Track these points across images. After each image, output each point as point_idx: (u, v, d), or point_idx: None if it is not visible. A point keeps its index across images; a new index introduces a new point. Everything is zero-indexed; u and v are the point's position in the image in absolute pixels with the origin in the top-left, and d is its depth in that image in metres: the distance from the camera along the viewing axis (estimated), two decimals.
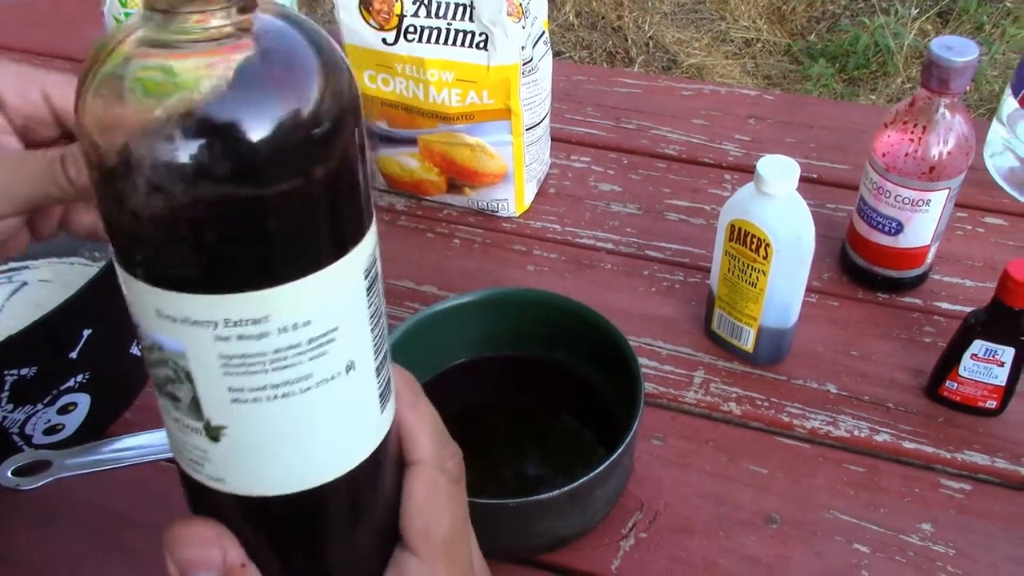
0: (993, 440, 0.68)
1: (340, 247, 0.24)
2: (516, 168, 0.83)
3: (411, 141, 0.83)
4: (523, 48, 0.76)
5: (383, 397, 0.29)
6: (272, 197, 0.22)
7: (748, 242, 0.66)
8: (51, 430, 0.64)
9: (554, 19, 2.48)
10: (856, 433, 0.68)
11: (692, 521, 0.64)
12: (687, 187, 0.90)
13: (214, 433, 0.26)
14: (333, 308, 0.25)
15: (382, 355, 0.28)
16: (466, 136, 0.81)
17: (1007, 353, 0.65)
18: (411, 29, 0.76)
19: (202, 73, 0.21)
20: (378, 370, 0.28)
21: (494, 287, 0.68)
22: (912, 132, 0.70)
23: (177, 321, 0.23)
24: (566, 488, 0.55)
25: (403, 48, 0.77)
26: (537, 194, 0.88)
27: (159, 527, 0.52)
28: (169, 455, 0.56)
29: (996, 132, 0.90)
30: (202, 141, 0.21)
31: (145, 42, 0.22)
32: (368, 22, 0.76)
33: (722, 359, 0.74)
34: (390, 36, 0.76)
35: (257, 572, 0.29)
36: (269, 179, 0.22)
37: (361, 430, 0.28)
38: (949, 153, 0.70)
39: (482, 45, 0.75)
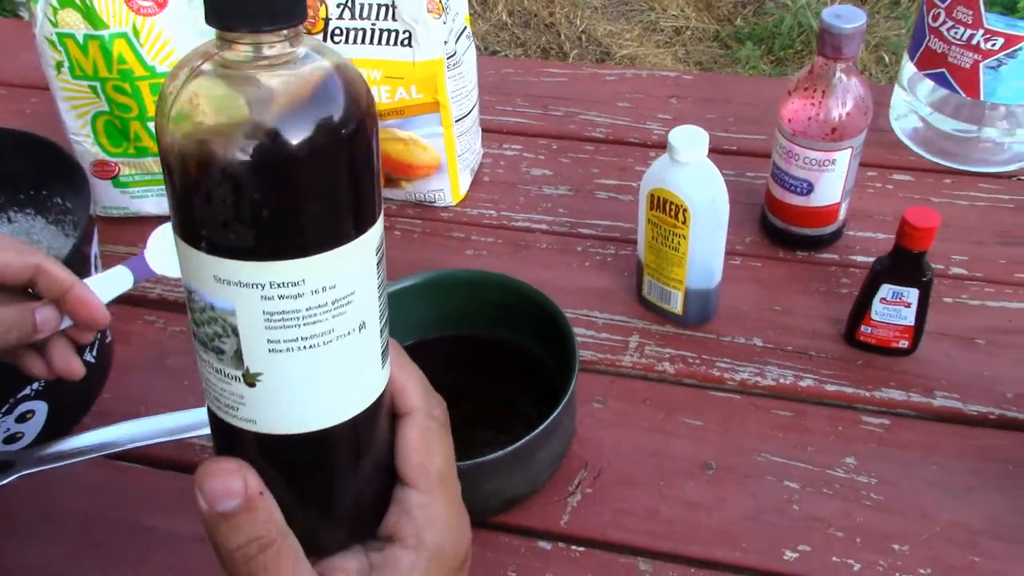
0: (907, 377, 0.73)
1: (361, 226, 0.31)
2: (449, 159, 0.86)
3: None
4: (446, 43, 0.80)
5: (384, 355, 0.35)
6: (314, 185, 0.29)
7: (667, 209, 0.71)
8: (11, 439, 0.66)
9: (487, 19, 2.52)
10: (782, 381, 0.73)
11: (634, 474, 0.68)
12: (614, 167, 0.94)
13: (251, 379, 0.31)
14: (353, 276, 0.31)
15: (384, 319, 0.34)
16: (398, 131, 0.84)
17: (912, 294, 0.70)
18: (337, 32, 0.79)
19: (270, 88, 0.28)
20: (381, 331, 0.34)
21: (437, 269, 0.72)
22: (813, 97, 0.75)
23: (231, 284, 0.30)
24: (509, 448, 0.59)
25: None
26: (472, 183, 0.92)
27: (126, 522, 0.56)
28: (131, 446, 0.59)
29: (899, 96, 0.95)
30: (267, 144, 0.28)
31: (218, 63, 0.29)
32: None
33: (654, 323, 0.78)
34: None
35: (273, 500, 0.33)
36: (314, 171, 0.29)
37: (367, 380, 0.34)
38: (848, 114, 0.75)
39: (406, 42, 0.79)
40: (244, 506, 0.32)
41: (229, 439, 0.34)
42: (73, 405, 0.71)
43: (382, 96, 0.81)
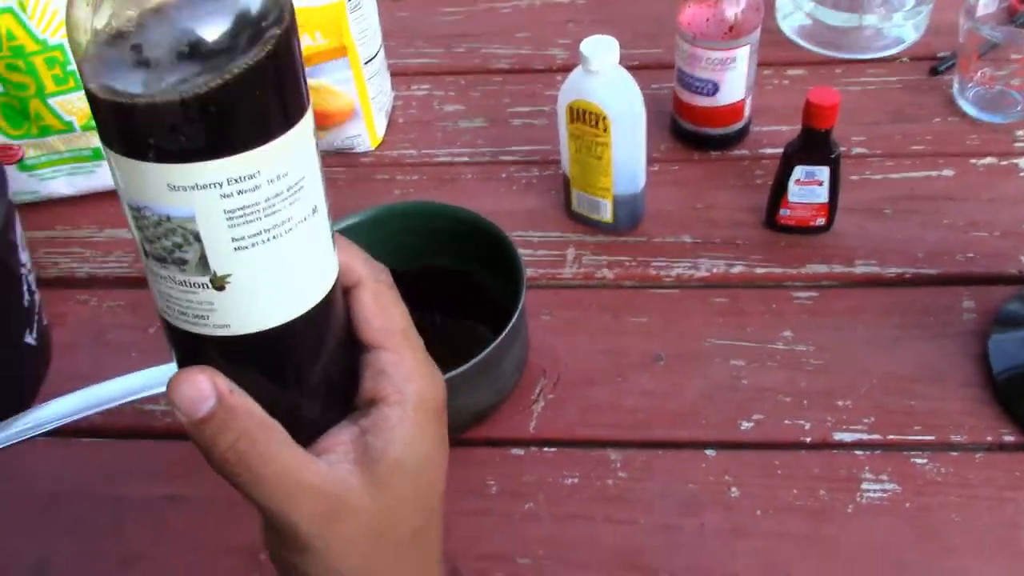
0: (828, 251, 0.77)
1: (301, 110, 0.31)
2: (363, 102, 0.86)
3: None
4: None
5: (333, 237, 0.35)
6: (261, 72, 0.29)
7: (587, 119, 0.73)
8: None
9: None
10: (715, 271, 0.77)
11: (591, 374, 0.71)
12: (524, 94, 0.95)
13: (220, 282, 0.31)
14: (300, 161, 0.31)
15: (329, 203, 0.34)
16: (308, 80, 0.83)
17: (823, 172, 0.74)
18: None
19: None
20: (328, 214, 0.34)
21: (367, 207, 0.72)
22: (708, 0, 0.78)
23: (187, 189, 0.29)
24: (476, 359, 0.61)
25: None
26: (388, 126, 0.92)
27: (95, 495, 0.55)
28: (86, 413, 0.58)
29: None
30: (206, 39, 0.28)
31: None
32: None
33: (587, 234, 0.81)
34: None
35: (247, 396, 0.33)
36: (258, 58, 0.29)
37: (325, 264, 0.35)
38: (743, 12, 0.78)
39: None
40: (220, 406, 0.33)
41: (201, 352, 0.33)
42: (18, 390, 0.69)
43: None
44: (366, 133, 0.89)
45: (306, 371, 0.36)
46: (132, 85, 0.28)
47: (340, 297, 0.36)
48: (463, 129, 0.92)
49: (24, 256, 0.69)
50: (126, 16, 0.28)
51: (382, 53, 0.89)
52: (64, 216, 0.85)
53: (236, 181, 0.29)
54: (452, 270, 0.73)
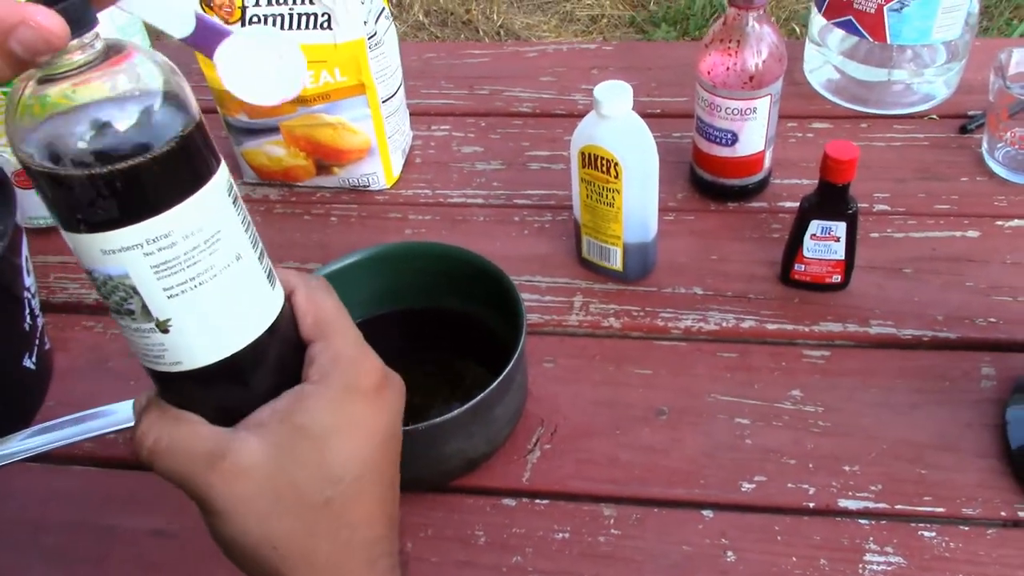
0: (843, 309, 0.75)
1: (205, 177, 0.36)
2: (379, 141, 0.86)
3: (273, 129, 0.85)
4: (366, 23, 0.80)
5: (270, 278, 0.40)
6: (153, 154, 0.34)
7: (599, 165, 0.72)
8: None
9: (403, 20, 2.52)
10: (725, 324, 0.75)
11: (591, 426, 0.69)
12: (544, 139, 0.95)
13: (163, 327, 0.36)
14: (212, 217, 0.36)
15: (259, 249, 0.39)
16: (326, 116, 0.84)
17: (840, 228, 0.72)
18: (255, 19, 0.79)
19: (91, 88, 0.33)
20: (259, 258, 0.39)
21: (377, 245, 0.72)
22: (729, 48, 0.77)
23: (116, 252, 0.34)
24: (467, 406, 0.60)
25: None
26: (404, 165, 0.92)
27: (81, 524, 0.56)
28: (68, 442, 0.58)
29: (811, 50, 0.98)
30: (100, 133, 0.33)
31: (41, 82, 0.33)
32: (211, 16, 0.79)
33: (597, 282, 0.79)
34: (236, 28, 0.79)
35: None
36: (147, 144, 0.34)
37: (261, 301, 0.39)
38: (764, 62, 0.77)
39: (326, 25, 0.79)
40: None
41: (167, 384, 0.39)
42: (16, 414, 0.69)
43: (306, 81, 0.81)
44: (381, 171, 0.88)
45: (260, 387, 0.40)
46: (56, 168, 0.33)
47: (289, 321, 0.41)
48: (479, 171, 0.92)
49: (29, 280, 0.69)
50: (49, 109, 0.33)
51: (402, 92, 0.89)
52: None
53: (153, 241, 0.34)
54: (459, 311, 0.72)
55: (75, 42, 0.32)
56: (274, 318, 0.39)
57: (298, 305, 0.41)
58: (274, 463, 0.37)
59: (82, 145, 0.33)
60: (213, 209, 0.36)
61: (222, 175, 0.37)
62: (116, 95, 0.33)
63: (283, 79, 0.41)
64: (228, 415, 0.39)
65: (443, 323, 0.73)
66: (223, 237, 0.36)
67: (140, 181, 0.34)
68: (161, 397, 0.39)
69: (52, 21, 0.31)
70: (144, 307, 0.36)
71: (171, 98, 0.34)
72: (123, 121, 0.33)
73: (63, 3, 0.32)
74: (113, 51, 0.34)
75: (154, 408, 0.39)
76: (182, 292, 0.36)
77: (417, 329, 0.74)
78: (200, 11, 0.39)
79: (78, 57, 0.33)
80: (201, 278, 0.36)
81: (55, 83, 0.33)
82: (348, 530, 0.39)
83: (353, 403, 0.39)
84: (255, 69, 0.39)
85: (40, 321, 0.71)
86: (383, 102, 0.85)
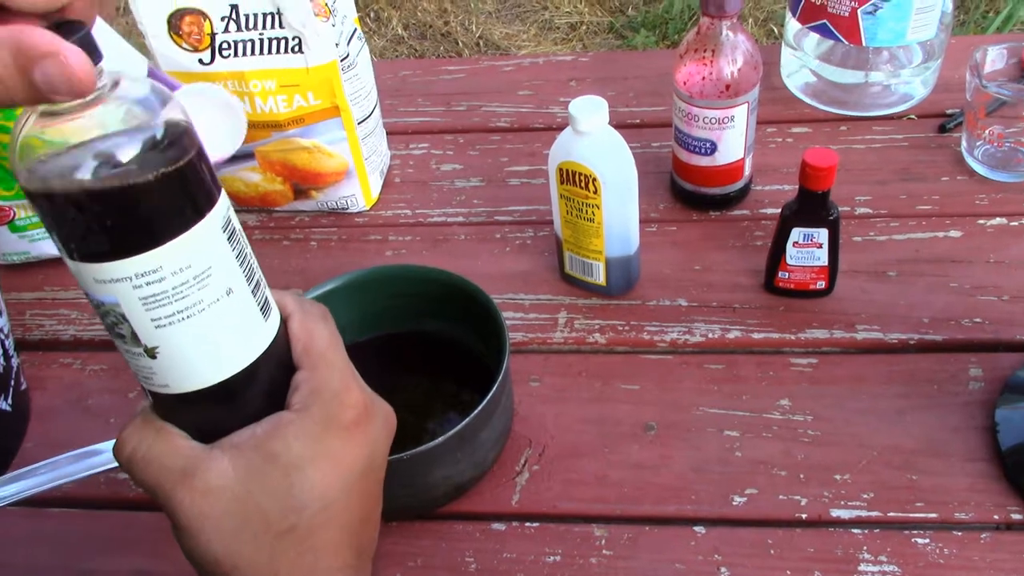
0: (829, 316, 0.75)
1: (197, 216, 0.36)
2: (356, 163, 0.86)
3: (248, 155, 0.85)
4: (337, 45, 0.80)
5: (264, 309, 0.40)
6: (145, 192, 0.34)
7: (577, 181, 0.71)
8: None
9: (382, 34, 2.52)
10: (711, 336, 0.74)
11: (578, 445, 0.68)
12: (523, 153, 0.94)
13: (151, 353, 0.37)
14: (204, 253, 0.36)
15: (254, 282, 0.39)
16: (301, 140, 0.83)
17: (822, 234, 0.72)
18: (224, 45, 0.78)
19: (88, 127, 0.33)
20: (254, 292, 0.39)
21: (355, 270, 0.71)
22: (704, 58, 0.77)
23: (107, 282, 0.35)
24: (451, 432, 0.59)
25: (221, 65, 0.79)
26: (383, 185, 0.92)
27: (63, 568, 0.56)
28: (53, 485, 0.57)
29: (787, 54, 0.98)
30: (95, 167, 0.33)
31: (43, 116, 0.34)
32: (180, 46, 0.78)
33: (580, 297, 0.79)
34: (206, 56, 0.78)
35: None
36: (142, 181, 0.34)
37: (251, 333, 0.39)
38: (740, 70, 0.76)
39: (297, 48, 0.78)
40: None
41: (158, 402, 0.40)
42: None
43: (279, 106, 0.80)
44: (360, 193, 0.88)
45: (247, 410, 0.40)
46: (51, 200, 0.34)
47: (282, 348, 0.41)
48: (459, 189, 0.91)
49: (2, 320, 0.68)
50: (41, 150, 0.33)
51: (378, 112, 0.88)
52: (53, 277, 0.85)
53: (142, 275, 0.35)
54: (441, 334, 0.72)
55: None
56: (264, 349, 0.39)
57: (292, 331, 0.41)
58: (242, 486, 0.38)
59: (75, 180, 0.33)
60: (205, 245, 0.36)
61: (219, 210, 0.37)
62: (113, 131, 0.34)
63: (227, 133, 0.42)
64: (212, 434, 0.39)
65: (426, 346, 0.73)
66: (214, 273, 0.36)
67: (129, 217, 0.34)
68: (152, 409, 0.40)
69: (81, 64, 0.31)
70: (133, 333, 0.37)
71: (166, 135, 0.35)
72: (116, 158, 0.34)
73: (75, 38, 0.32)
74: (114, 85, 0.34)
75: (140, 417, 0.40)
76: (170, 324, 0.36)
77: (400, 353, 0.73)
78: (152, 67, 0.39)
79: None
80: (189, 311, 0.36)
81: (58, 117, 0.33)
82: (311, 556, 0.39)
83: (329, 437, 0.40)
84: (201, 125, 0.39)
85: (15, 361, 0.70)
86: (358, 124, 0.84)
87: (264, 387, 0.40)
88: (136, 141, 0.34)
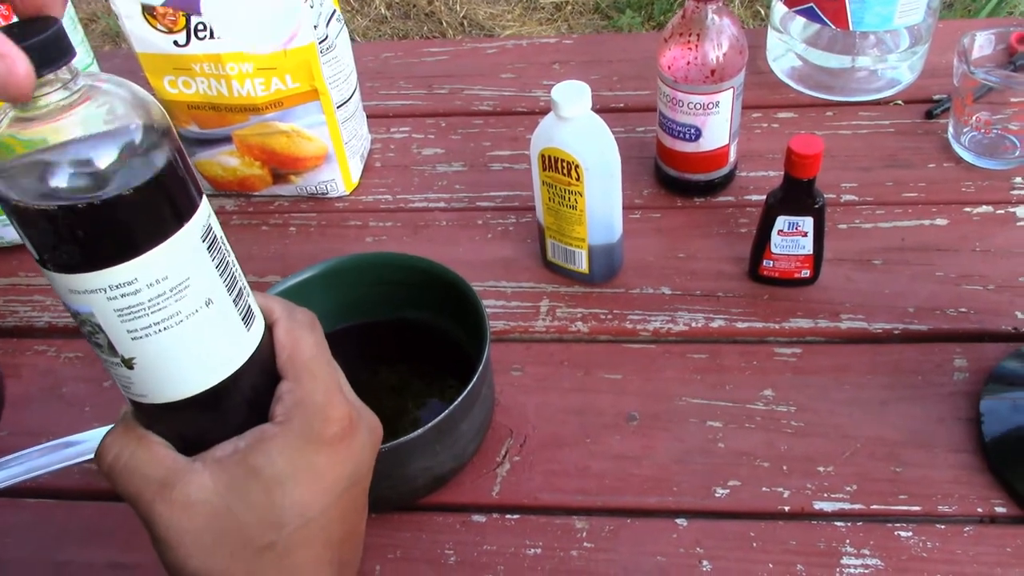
0: (813, 305, 0.74)
1: (175, 225, 0.34)
2: (336, 147, 0.84)
3: (226, 139, 0.83)
4: (316, 27, 0.78)
5: (247, 319, 0.38)
6: (119, 203, 0.32)
7: (560, 168, 0.70)
8: None
9: (365, 14, 2.49)
10: (694, 325, 0.74)
11: (560, 436, 0.67)
12: (506, 137, 0.93)
13: (128, 363, 0.36)
14: (182, 264, 0.35)
15: (237, 291, 0.38)
16: (279, 124, 0.82)
17: (807, 222, 0.71)
18: (200, 27, 0.76)
19: (60, 131, 0.32)
20: (235, 301, 0.38)
21: (333, 257, 0.70)
22: (689, 42, 0.75)
23: (81, 292, 0.34)
24: (430, 424, 0.58)
25: (197, 47, 0.77)
26: (364, 169, 0.90)
27: (38, 559, 0.54)
28: (20, 479, 0.56)
29: (773, 38, 0.97)
30: (66, 176, 0.32)
31: (16, 120, 0.32)
32: (155, 27, 0.76)
33: (563, 285, 0.78)
34: (181, 38, 0.76)
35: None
36: (117, 196, 0.32)
37: (232, 343, 0.38)
38: (725, 55, 0.75)
39: None
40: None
41: (138, 409, 0.39)
42: None
43: (257, 89, 0.79)
44: (340, 178, 0.86)
45: (229, 420, 0.39)
46: (23, 210, 0.32)
47: (266, 356, 0.40)
48: (441, 173, 0.90)
49: None
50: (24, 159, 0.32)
51: (357, 96, 0.87)
52: (27, 263, 0.83)
53: (116, 287, 0.34)
54: (422, 322, 0.71)
55: (51, 76, 0.32)
56: (246, 359, 0.38)
57: (277, 339, 0.40)
58: (221, 501, 0.37)
59: (46, 190, 0.32)
60: (183, 256, 0.35)
61: (198, 218, 0.35)
62: (85, 138, 0.32)
63: None
64: (195, 442, 0.39)
65: (406, 334, 0.71)
66: (192, 284, 0.35)
67: (102, 229, 0.33)
68: (133, 416, 0.39)
69: (21, 68, 0.30)
70: (110, 343, 0.36)
71: (142, 141, 0.33)
72: (88, 168, 0.32)
73: (38, 39, 0.31)
74: (89, 88, 0.33)
75: (121, 424, 0.39)
76: (146, 336, 0.35)
77: (380, 342, 0.72)
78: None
79: (55, 97, 0.32)
80: (166, 323, 0.35)
81: (30, 123, 0.32)
82: (291, 574, 0.38)
83: (312, 452, 0.39)
84: None
85: None
86: (338, 107, 0.83)
87: (247, 396, 0.39)
88: (112, 147, 0.33)
